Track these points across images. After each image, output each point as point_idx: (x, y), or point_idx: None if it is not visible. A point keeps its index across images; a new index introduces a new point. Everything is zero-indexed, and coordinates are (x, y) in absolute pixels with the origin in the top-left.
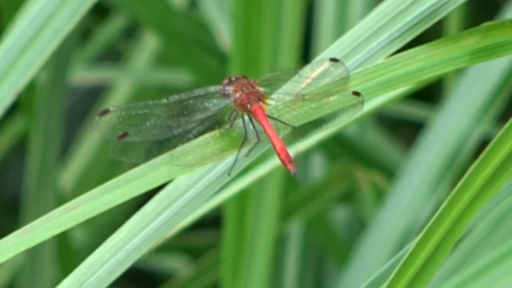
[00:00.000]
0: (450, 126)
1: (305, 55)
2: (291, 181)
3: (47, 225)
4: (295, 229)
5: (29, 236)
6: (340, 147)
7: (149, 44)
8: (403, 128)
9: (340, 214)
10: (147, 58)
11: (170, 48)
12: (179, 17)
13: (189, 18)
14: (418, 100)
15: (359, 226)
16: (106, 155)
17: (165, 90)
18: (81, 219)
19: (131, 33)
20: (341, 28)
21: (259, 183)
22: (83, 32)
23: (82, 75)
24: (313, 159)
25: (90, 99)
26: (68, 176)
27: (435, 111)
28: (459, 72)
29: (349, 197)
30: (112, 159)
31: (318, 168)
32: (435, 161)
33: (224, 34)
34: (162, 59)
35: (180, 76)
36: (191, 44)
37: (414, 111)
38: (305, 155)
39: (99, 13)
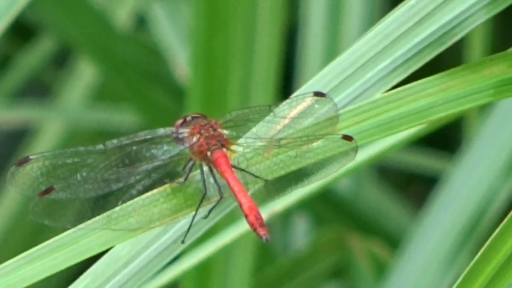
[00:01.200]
0: (471, 181)
1: (285, 88)
2: (267, 252)
3: None
4: None
5: None
6: (329, 208)
7: (84, 74)
8: (412, 184)
9: None
10: (82, 92)
11: (112, 80)
12: (123, 41)
13: (136, 42)
14: (431, 148)
15: None
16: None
17: (104, 134)
18: None
19: (61, 60)
20: (331, 54)
21: (225, 253)
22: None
23: (0, 114)
24: (295, 223)
25: (9, 146)
26: None
27: (452, 162)
28: (483, 110)
29: (341, 271)
30: (36, 223)
31: (302, 234)
32: (452, 226)
33: (181, 61)
34: (101, 94)
35: (123, 116)
36: (138, 75)
37: (426, 162)
38: (285, 218)
39: (21, 35)
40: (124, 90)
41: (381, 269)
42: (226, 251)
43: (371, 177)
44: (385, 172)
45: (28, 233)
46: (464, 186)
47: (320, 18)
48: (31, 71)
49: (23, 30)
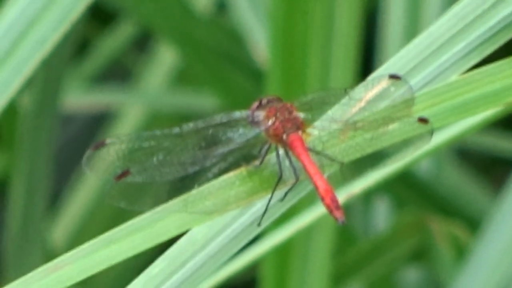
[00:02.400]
0: None
1: (365, 71)
2: (347, 234)
3: None
4: None
5: None
6: (410, 190)
7: (165, 59)
8: (493, 167)
9: (410, 276)
10: (162, 76)
11: (192, 64)
12: (203, 25)
13: (216, 26)
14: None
15: None
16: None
17: (185, 118)
18: (69, 283)
19: (142, 45)
20: (411, 36)
21: (304, 236)
22: (80, 44)
23: (80, 99)
24: (376, 206)
25: (90, 130)
26: (60, 230)
27: None
28: None
29: (421, 254)
30: (115, 208)
31: (382, 217)
32: None
33: (261, 45)
34: (182, 78)
35: (204, 100)
36: (218, 59)
37: (505, 144)
38: (366, 201)
39: (101, 19)
40: (204, 74)
41: (461, 252)
42: (306, 234)
43: (451, 159)
44: (467, 155)
45: (109, 217)
46: None
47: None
48: (111, 55)
49: (103, 14)
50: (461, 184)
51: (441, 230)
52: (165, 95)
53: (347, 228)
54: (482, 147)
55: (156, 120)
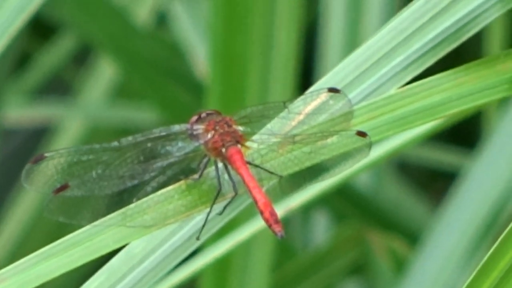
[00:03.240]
0: (490, 176)
1: (305, 85)
2: (286, 248)
3: None
4: None
5: None
6: (349, 204)
7: (104, 72)
8: (433, 181)
9: None
10: (102, 90)
11: (132, 78)
12: (143, 38)
13: (156, 39)
14: (452, 144)
15: None
16: (51, 220)
17: (125, 132)
18: None
19: (82, 58)
20: (351, 50)
21: (243, 250)
22: (20, 58)
23: (20, 113)
24: (315, 220)
25: (31, 144)
26: (1, 245)
27: (471, 157)
28: (502, 104)
29: (361, 268)
30: (56, 222)
31: (321, 231)
32: (471, 221)
33: (201, 58)
34: (122, 92)
35: (144, 114)
36: (158, 72)
37: (446, 158)
38: (305, 214)
39: (41, 34)
40: (144, 87)
41: (400, 265)
42: (245, 247)
43: (391, 173)
44: (407, 168)
45: (50, 231)
46: (483, 182)
47: (339, 14)
48: (51, 69)
49: (43, 28)
50: (400, 197)
51: (380, 243)
52: (105, 109)
53: (286, 242)
54: (422, 160)
55: (96, 134)
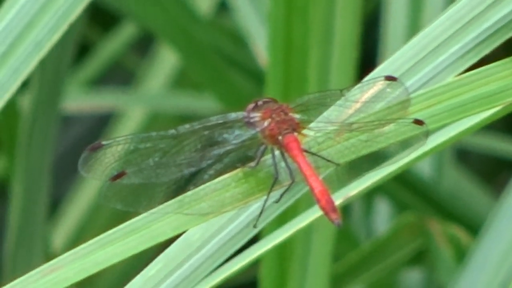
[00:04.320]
0: None
1: (365, 73)
2: (347, 236)
3: None
4: None
5: None
6: (410, 192)
7: (166, 61)
8: (495, 170)
9: (411, 279)
10: (164, 79)
11: (193, 66)
12: (204, 26)
13: (217, 27)
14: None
15: None
16: (110, 208)
17: (186, 120)
18: (65, 284)
19: (143, 47)
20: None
21: (304, 238)
22: (82, 46)
23: (82, 101)
24: (376, 209)
25: (93, 132)
26: (61, 232)
27: None
28: None
29: (422, 256)
30: (116, 210)
31: (383, 220)
32: None
33: (261, 46)
34: (183, 80)
35: (205, 102)
36: (219, 61)
37: (507, 146)
38: (367, 203)
39: (103, 22)
40: (205, 76)
41: (462, 254)
42: (306, 236)
43: (452, 162)
44: (468, 157)
45: (109, 219)
46: None
47: (401, 1)
48: (113, 58)
49: (105, 17)
50: (462, 186)
51: (441, 232)
52: (167, 97)
53: (347, 230)
54: (484, 150)
55: (158, 122)
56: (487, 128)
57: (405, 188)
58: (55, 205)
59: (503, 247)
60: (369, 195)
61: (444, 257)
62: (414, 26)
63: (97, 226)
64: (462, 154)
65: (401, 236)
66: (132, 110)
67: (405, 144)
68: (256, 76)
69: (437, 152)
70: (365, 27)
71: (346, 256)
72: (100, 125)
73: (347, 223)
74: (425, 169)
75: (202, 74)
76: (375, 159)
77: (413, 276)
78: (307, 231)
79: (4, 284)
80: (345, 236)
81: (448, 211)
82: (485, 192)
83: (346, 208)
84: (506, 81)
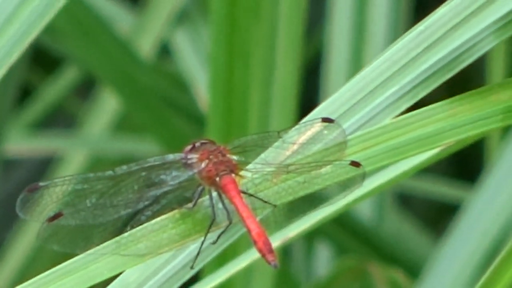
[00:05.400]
0: (492, 208)
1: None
2: (288, 279)
3: None
4: None
5: None
6: (350, 236)
7: (107, 104)
8: (438, 214)
9: None
10: (105, 122)
11: (134, 110)
12: (145, 70)
13: (159, 71)
14: (453, 179)
15: None
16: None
17: (128, 163)
18: None
19: (85, 91)
20: None
21: (243, 280)
22: (24, 89)
23: (24, 144)
24: (317, 251)
25: (35, 175)
26: (3, 276)
27: (472, 191)
28: (505, 135)
29: None
30: (61, 254)
31: (323, 262)
32: (472, 254)
33: (203, 90)
34: (124, 124)
35: (146, 146)
36: (161, 104)
37: (449, 191)
38: (308, 246)
39: (44, 65)
40: (147, 119)
41: None
42: (246, 278)
43: (393, 205)
44: (409, 201)
45: (52, 261)
46: (484, 214)
47: (342, 41)
48: (55, 101)
49: (46, 61)
50: (403, 230)
51: (382, 275)
52: (108, 140)
53: (288, 272)
54: (425, 193)
55: (99, 164)
56: (429, 171)
57: (346, 231)
58: None
59: None
60: (309, 238)
61: None
62: (355, 70)
63: (39, 268)
64: (405, 198)
65: (341, 279)
66: (74, 153)
67: (343, 186)
68: (197, 119)
69: (378, 195)
70: (307, 73)
71: None
72: (42, 168)
73: (288, 265)
74: (366, 212)
75: (143, 117)
76: (313, 200)
77: None
78: (247, 272)
79: None
80: (285, 279)
81: (388, 255)
82: (427, 236)
83: (286, 250)
84: (444, 123)
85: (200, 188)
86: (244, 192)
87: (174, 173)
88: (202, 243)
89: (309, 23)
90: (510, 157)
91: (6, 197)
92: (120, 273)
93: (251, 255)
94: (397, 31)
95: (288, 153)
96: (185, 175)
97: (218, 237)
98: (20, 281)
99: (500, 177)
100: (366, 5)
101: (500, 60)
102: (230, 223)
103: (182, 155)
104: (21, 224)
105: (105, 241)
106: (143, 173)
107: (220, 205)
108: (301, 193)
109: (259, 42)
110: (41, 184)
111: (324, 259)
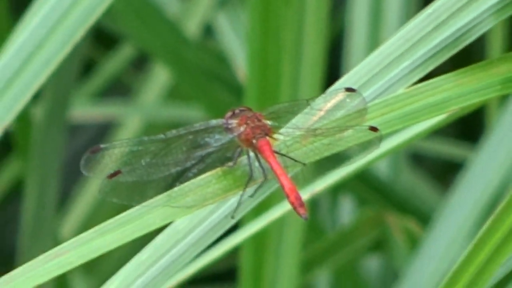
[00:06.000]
0: (492, 165)
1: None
2: (315, 228)
3: (29, 274)
4: (322, 281)
5: (12, 286)
6: (370, 190)
7: (159, 77)
8: (445, 171)
9: (371, 264)
10: (157, 92)
11: (182, 82)
12: (192, 47)
13: (204, 48)
14: (458, 139)
15: (392, 277)
16: (109, 202)
17: (176, 127)
18: (68, 267)
19: (139, 65)
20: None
21: (278, 228)
22: (86, 64)
23: (86, 111)
24: (340, 203)
25: (95, 138)
26: (69, 226)
27: (476, 150)
28: (502, 103)
29: (380, 245)
30: (118, 206)
31: (346, 213)
32: (475, 204)
33: (241, 64)
34: (174, 94)
35: (193, 112)
36: (205, 77)
37: (453, 151)
38: (332, 199)
39: (104, 43)
40: (193, 89)
41: (414, 243)
42: (279, 227)
43: (407, 163)
44: (420, 158)
45: (112, 211)
46: (486, 170)
47: (362, 22)
48: (113, 74)
49: (106, 39)
50: (414, 184)
51: (396, 224)
52: (159, 108)
53: (315, 222)
54: (434, 153)
55: (152, 129)
56: (438, 134)
57: (365, 186)
58: (64, 201)
59: (450, 237)
60: (334, 192)
61: (399, 246)
62: (373, 46)
63: (100, 218)
64: (417, 157)
65: (362, 227)
66: (130, 120)
67: (362, 147)
68: (237, 90)
69: (393, 155)
70: (332, 49)
71: (314, 245)
72: (102, 132)
73: (315, 216)
74: (383, 169)
75: (190, 88)
76: (336, 160)
77: (372, 263)
78: (280, 222)
79: None
80: (313, 227)
81: (403, 206)
82: (436, 190)
83: (314, 202)
84: (450, 93)
85: (239, 149)
86: (277, 153)
87: (217, 136)
88: (241, 196)
89: (333, 5)
90: (507, 122)
91: (71, 157)
92: (171, 223)
93: (284, 207)
94: (409, 13)
95: (315, 118)
96: (226, 138)
97: (255, 191)
98: (85, 230)
99: (498, 139)
100: None
101: (499, 38)
102: (265, 179)
103: (223, 120)
104: (85, 181)
105: (157, 195)
106: (190, 136)
107: (256, 164)
108: (326, 154)
109: (289, 23)
110: (102, 146)
111: (347, 210)
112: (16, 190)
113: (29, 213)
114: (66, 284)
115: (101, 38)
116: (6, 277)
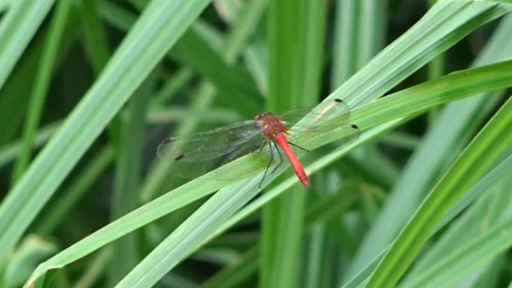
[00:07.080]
0: (433, 151)
1: (324, 98)
2: (313, 194)
3: (122, 225)
4: (317, 230)
5: (109, 234)
6: (350, 167)
7: (208, 91)
8: (400, 154)
9: (350, 219)
10: (206, 102)
11: (224, 94)
12: (230, 71)
13: (238, 71)
14: (410, 133)
15: (365, 228)
16: (175, 177)
17: (219, 125)
18: (148, 221)
19: (194, 82)
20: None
21: (288, 194)
22: (158, 82)
23: (158, 115)
24: (329, 177)
25: (164, 133)
26: (147, 192)
27: (422, 140)
28: (440, 109)
29: (357, 206)
30: (179, 179)
31: (333, 184)
32: (421, 178)
33: (263, 83)
34: (218, 103)
35: (231, 116)
36: (239, 91)
37: (407, 141)
38: (324, 174)
39: (170, 67)
40: (231, 100)
41: (380, 204)
42: (290, 193)
43: (375, 149)
44: (383, 147)
45: (176, 183)
46: (429, 155)
47: (345, 54)
48: (176, 89)
49: (171, 64)
50: (380, 164)
51: (368, 191)
52: (208, 112)
53: (314, 190)
54: (395, 143)
55: (203, 127)
56: (396, 130)
57: (348, 165)
58: (143, 176)
59: (404, 200)
60: (326, 169)
61: (370, 206)
62: (353, 71)
63: (169, 187)
64: (383, 145)
65: (344, 194)
66: (188, 120)
67: (346, 139)
68: (261, 100)
69: (367, 144)
70: (325, 72)
71: (312, 205)
72: (169, 129)
73: (313, 185)
74: (360, 154)
75: (229, 99)
76: (329, 148)
77: (351, 218)
78: (290, 190)
79: None
80: (312, 194)
81: (372, 179)
82: (394, 168)
83: (313, 177)
84: (405, 103)
85: (264, 141)
86: (289, 143)
87: (249, 132)
88: (265, 172)
89: (326, 42)
90: (443, 121)
91: (147, 146)
92: (217, 190)
93: (293, 180)
94: (377, 48)
95: (315, 119)
96: (255, 133)
97: (274, 169)
98: (158, 195)
99: (437, 133)
100: (358, 34)
101: (438, 65)
102: (282, 161)
103: (253, 121)
104: (157, 162)
105: (208, 171)
106: (231, 132)
107: (275, 151)
108: (323, 143)
109: (296, 54)
110: (171, 138)
111: (334, 182)
112: (111, 168)
113: (120, 184)
114: (145, 233)
115: (168, 63)
116: (105, 228)
